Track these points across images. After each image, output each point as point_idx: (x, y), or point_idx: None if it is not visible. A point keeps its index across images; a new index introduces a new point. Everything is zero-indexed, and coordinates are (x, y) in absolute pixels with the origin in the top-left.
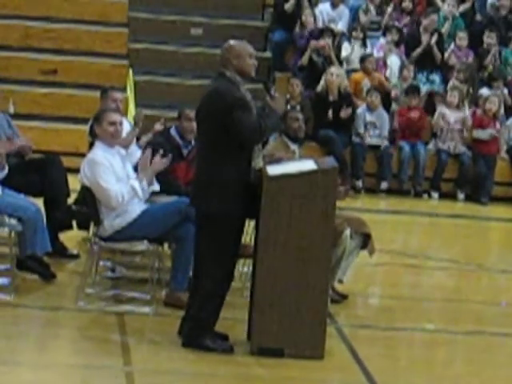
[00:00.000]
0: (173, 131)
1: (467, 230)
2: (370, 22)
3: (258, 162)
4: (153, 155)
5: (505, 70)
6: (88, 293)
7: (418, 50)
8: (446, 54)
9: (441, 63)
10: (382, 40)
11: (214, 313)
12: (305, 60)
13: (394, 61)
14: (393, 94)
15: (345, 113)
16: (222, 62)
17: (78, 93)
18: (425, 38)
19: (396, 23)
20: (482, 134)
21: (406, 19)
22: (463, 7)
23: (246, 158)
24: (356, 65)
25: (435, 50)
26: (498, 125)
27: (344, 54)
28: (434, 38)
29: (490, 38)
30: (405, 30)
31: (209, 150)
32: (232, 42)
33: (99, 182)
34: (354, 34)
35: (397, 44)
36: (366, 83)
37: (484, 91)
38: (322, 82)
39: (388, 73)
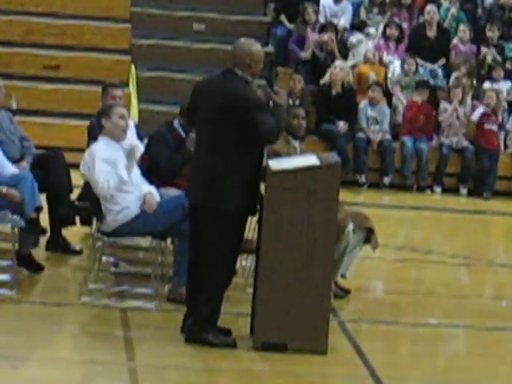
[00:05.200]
0: (176, 124)
1: (470, 225)
2: (370, 19)
3: (265, 159)
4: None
5: (504, 64)
6: (91, 288)
7: (424, 46)
8: (450, 48)
9: (446, 57)
10: (382, 38)
11: (217, 308)
12: (308, 55)
13: (393, 57)
14: (394, 89)
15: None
16: (238, 64)
17: (81, 88)
18: (430, 33)
19: (396, 19)
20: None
21: (405, 14)
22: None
23: (259, 156)
24: (360, 59)
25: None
26: (499, 119)
27: (352, 41)
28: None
29: (491, 32)
30: (404, 25)
31: (222, 147)
32: (251, 45)
33: (94, 171)
34: (355, 30)
35: (398, 40)
36: (372, 76)
37: (486, 85)
38: (326, 76)
39: (388, 69)
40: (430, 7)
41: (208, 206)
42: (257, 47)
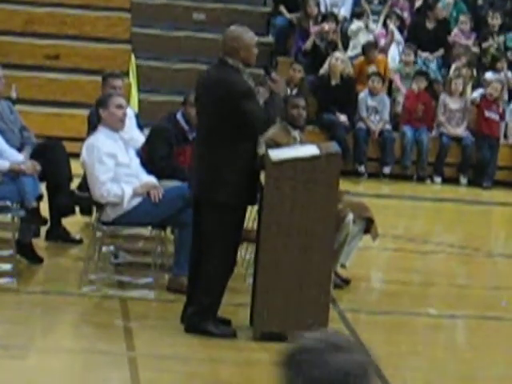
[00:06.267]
0: (179, 116)
1: (470, 215)
2: (371, 11)
3: (261, 148)
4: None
5: (506, 54)
6: (91, 278)
7: (424, 36)
8: (450, 39)
9: (446, 48)
10: (383, 28)
11: (217, 298)
12: (309, 45)
13: (394, 47)
14: (394, 79)
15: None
16: (227, 51)
17: (81, 78)
18: (429, 24)
19: (397, 10)
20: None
21: (406, 4)
22: None
23: (253, 146)
24: (360, 49)
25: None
26: (500, 109)
27: (353, 29)
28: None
29: (494, 19)
30: (406, 15)
31: (216, 138)
32: (239, 31)
33: (94, 169)
34: (356, 20)
35: (399, 30)
36: (373, 68)
37: (489, 75)
38: (325, 66)
39: (389, 59)
40: (441, 4)
41: (205, 197)
42: (245, 32)
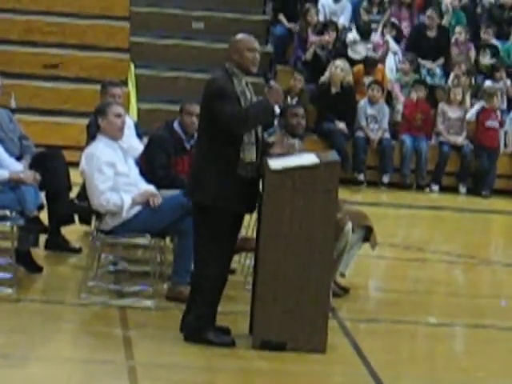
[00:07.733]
0: (176, 125)
1: (469, 224)
2: (370, 21)
3: (250, 155)
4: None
5: (506, 63)
6: (90, 287)
7: (424, 45)
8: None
9: (446, 56)
10: (380, 38)
11: (213, 306)
12: (309, 55)
13: (392, 57)
14: (393, 88)
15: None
16: (226, 55)
17: (80, 87)
18: (430, 33)
19: (395, 20)
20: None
21: (406, 14)
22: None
23: (234, 149)
24: (359, 57)
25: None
26: (499, 116)
27: (351, 38)
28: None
29: (486, 34)
30: (405, 23)
31: (201, 140)
32: (238, 36)
33: (93, 178)
34: (355, 31)
35: (396, 40)
36: (370, 79)
37: (488, 84)
38: (326, 74)
39: (387, 69)
40: (430, 12)
41: (192, 200)
42: (242, 37)
